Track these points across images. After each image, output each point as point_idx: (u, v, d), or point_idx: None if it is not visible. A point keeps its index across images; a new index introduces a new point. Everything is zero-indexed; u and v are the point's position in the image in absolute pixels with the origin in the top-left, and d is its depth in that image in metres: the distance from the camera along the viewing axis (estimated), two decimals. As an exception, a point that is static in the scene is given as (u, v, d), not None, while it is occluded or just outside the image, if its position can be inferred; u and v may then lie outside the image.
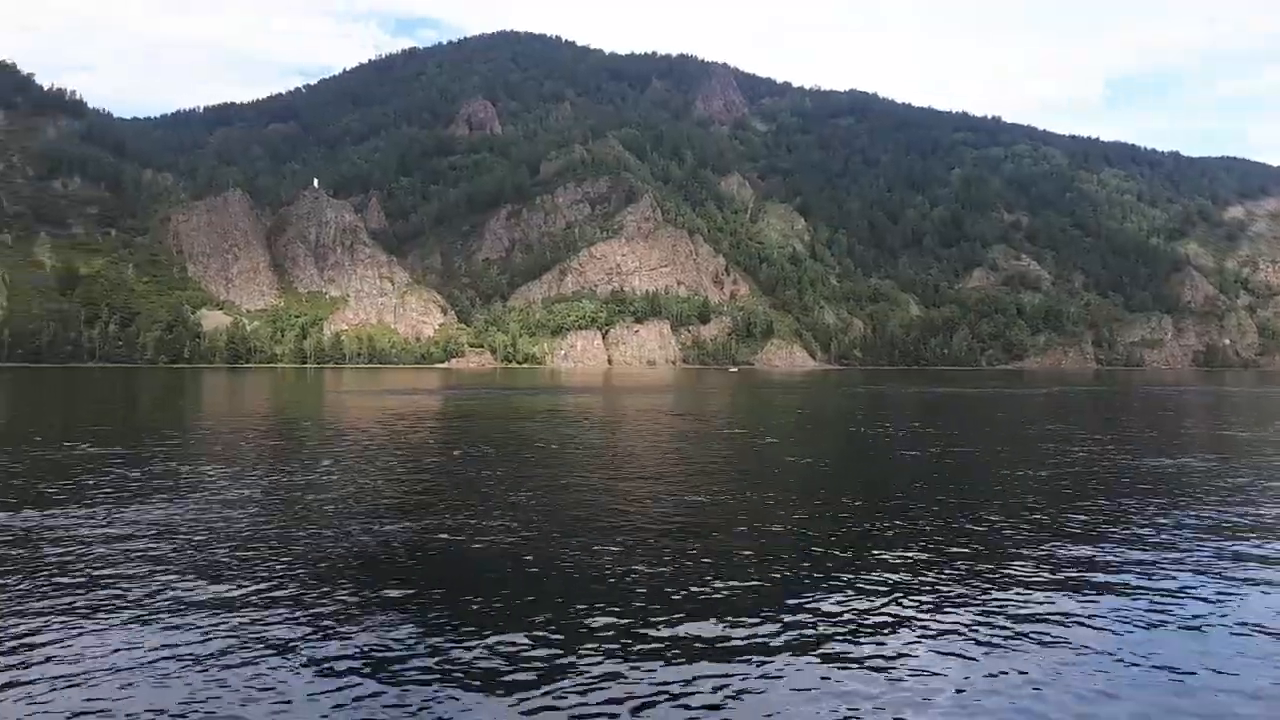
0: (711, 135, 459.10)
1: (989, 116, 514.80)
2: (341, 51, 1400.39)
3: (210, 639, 10.39)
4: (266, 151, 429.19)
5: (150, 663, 9.68)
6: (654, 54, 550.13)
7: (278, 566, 13.64)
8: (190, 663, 9.67)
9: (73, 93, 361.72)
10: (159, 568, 13.50)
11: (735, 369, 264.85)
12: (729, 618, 11.25)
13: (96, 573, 13.17)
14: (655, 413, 53.25)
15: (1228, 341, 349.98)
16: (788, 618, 11.29)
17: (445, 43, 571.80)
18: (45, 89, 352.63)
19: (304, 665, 9.66)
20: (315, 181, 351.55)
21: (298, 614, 11.30)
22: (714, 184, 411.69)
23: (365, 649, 10.12)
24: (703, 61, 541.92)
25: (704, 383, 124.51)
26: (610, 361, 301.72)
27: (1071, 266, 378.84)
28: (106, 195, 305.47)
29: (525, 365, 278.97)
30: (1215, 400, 77.14)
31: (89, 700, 8.74)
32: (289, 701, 8.76)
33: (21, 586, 12.47)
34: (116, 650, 10.03)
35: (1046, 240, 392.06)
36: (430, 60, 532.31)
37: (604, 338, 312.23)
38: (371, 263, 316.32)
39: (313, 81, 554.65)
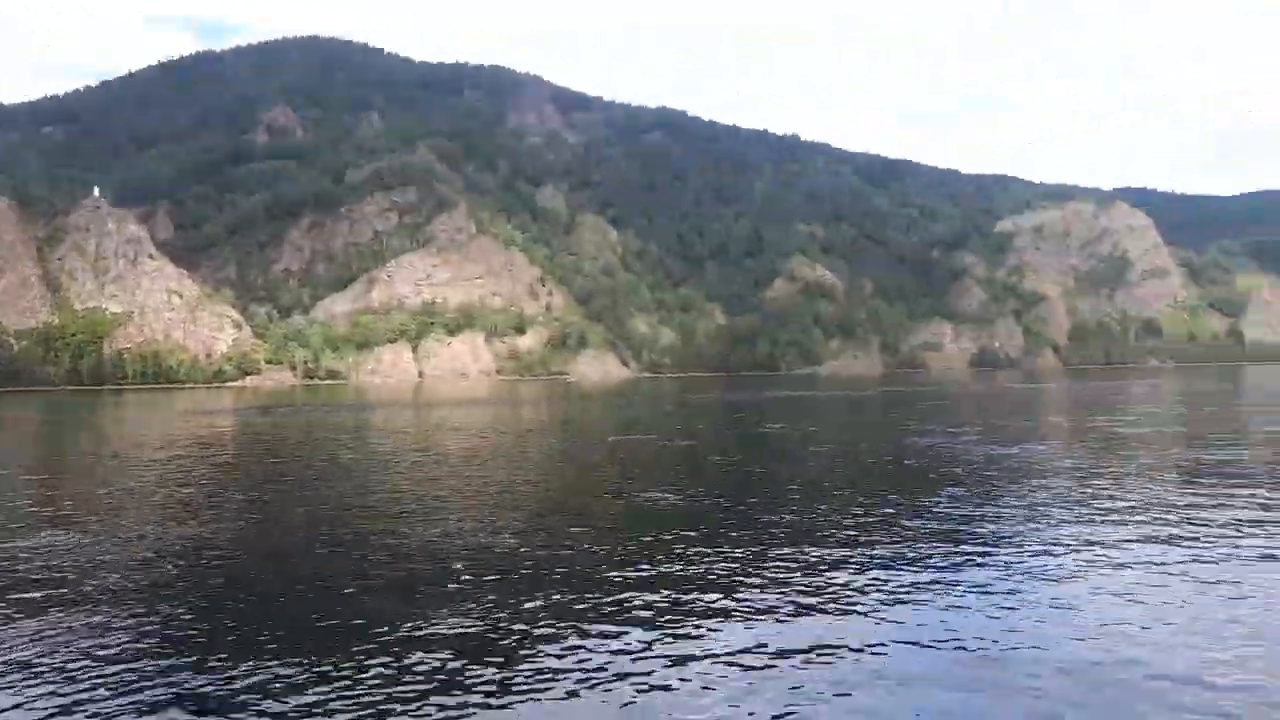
0: (525, 147, 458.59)
1: (788, 135, 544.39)
2: (127, 53, 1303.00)
3: None
4: (40, 156, 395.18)
5: None
6: (465, 64, 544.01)
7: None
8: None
9: None
10: None
11: (572, 379, 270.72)
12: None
13: None
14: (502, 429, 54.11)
15: (998, 344, 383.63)
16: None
17: (245, 45, 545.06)
18: None
19: None
20: (96, 190, 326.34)
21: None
22: (529, 195, 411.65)
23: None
24: (516, 73, 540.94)
25: (521, 394, 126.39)
26: (421, 375, 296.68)
27: (862, 275, 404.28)
28: None
29: (328, 381, 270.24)
30: (985, 393, 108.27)
31: None
32: None
33: None
34: None
35: (841, 251, 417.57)
36: (228, 64, 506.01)
37: (414, 351, 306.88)
38: (159, 275, 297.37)
39: (93, 83, 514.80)
